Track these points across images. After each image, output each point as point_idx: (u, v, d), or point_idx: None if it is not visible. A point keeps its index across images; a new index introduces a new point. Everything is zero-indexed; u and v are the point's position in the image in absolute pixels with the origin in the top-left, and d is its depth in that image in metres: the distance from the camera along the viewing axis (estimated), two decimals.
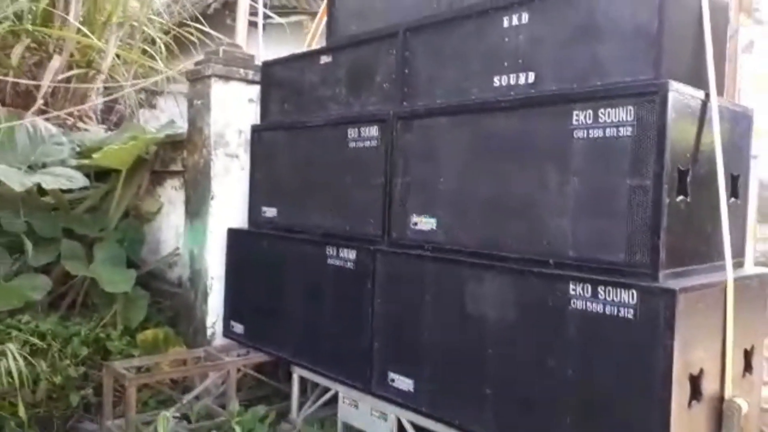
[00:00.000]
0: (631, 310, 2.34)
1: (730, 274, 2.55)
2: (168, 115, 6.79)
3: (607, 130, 2.49)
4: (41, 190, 4.20)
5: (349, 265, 3.39)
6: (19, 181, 3.64)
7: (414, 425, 3.12)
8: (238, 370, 3.77)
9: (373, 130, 3.39)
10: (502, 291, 2.73)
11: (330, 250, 3.50)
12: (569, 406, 2.50)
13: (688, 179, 2.47)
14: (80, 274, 3.99)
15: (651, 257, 2.36)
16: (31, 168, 4.01)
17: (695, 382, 2.39)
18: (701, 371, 2.41)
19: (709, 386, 2.48)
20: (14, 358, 3.13)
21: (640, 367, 2.31)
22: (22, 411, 3.14)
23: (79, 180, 3.95)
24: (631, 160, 2.42)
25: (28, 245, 3.69)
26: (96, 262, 4.05)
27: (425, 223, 3.13)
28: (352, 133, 3.51)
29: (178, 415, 3.09)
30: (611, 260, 2.47)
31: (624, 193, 2.44)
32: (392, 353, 3.18)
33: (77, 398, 3.58)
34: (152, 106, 7.35)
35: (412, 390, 3.07)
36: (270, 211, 4.08)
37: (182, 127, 4.62)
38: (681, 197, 2.44)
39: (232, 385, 3.64)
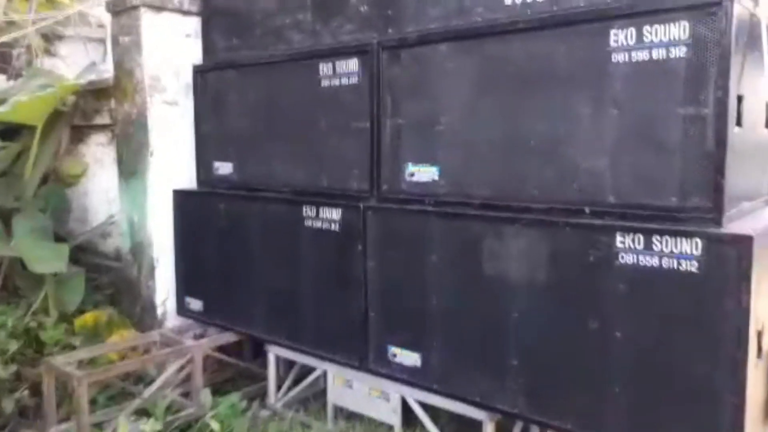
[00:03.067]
0: (695, 262, 2.02)
1: None
2: (70, 64, 5.92)
3: (654, 51, 2.12)
4: None
5: (333, 226, 2.91)
6: None
7: (422, 404, 2.74)
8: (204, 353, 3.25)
9: (352, 64, 2.87)
10: (528, 247, 2.37)
11: (307, 211, 3.00)
12: (617, 373, 2.19)
13: (744, 107, 2.14)
14: None
15: (714, 199, 2.03)
16: None
17: (759, 338, 2.12)
18: (763, 326, 2.15)
19: (766, 341, 2.22)
20: None
21: (706, 326, 2.03)
22: None
23: None
24: (684, 86, 2.07)
25: None
26: (17, 237, 3.37)
27: (424, 172, 2.68)
28: (324, 68, 2.97)
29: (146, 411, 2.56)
30: (661, 205, 2.14)
31: (676, 125, 2.10)
32: (392, 325, 2.77)
33: (11, 404, 2.97)
34: (51, 54, 6.37)
35: (418, 365, 2.69)
36: (224, 167, 3.50)
37: (107, 71, 3.89)
38: (737, 128, 2.11)
39: (198, 371, 3.13)
